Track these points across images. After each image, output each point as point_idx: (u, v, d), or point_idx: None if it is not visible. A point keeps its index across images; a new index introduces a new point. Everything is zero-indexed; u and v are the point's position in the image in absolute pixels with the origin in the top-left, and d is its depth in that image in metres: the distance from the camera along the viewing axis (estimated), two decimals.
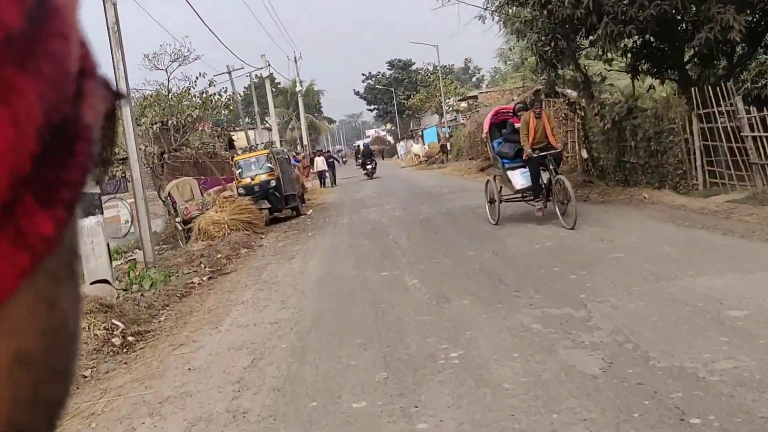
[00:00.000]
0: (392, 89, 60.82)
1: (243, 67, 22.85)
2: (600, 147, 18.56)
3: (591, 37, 11.92)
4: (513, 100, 20.82)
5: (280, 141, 50.63)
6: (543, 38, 12.26)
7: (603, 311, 4.71)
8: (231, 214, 13.50)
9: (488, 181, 10.04)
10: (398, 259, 8.06)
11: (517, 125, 9.12)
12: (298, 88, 48.69)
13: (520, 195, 9.38)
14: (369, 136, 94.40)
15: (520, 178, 9.08)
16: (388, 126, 76.35)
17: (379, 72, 66.82)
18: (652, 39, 13.80)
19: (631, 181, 12.25)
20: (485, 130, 10.11)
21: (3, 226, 0.19)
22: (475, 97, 42.59)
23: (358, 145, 49.76)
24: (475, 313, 5.13)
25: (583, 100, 19.93)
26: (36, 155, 0.20)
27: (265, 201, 15.03)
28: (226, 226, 13.21)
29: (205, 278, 9.04)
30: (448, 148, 33.11)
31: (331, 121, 70.19)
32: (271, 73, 68.09)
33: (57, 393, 0.24)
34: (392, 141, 73.21)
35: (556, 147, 8.71)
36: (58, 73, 0.21)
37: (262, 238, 12.96)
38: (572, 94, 20.15)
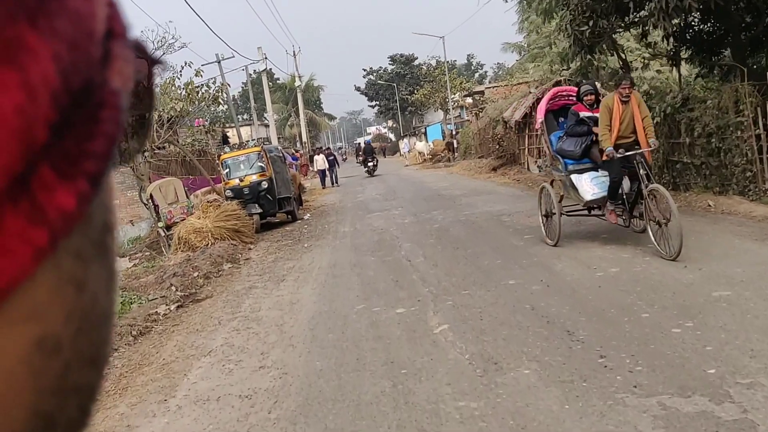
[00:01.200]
0: (394, 84, 58.96)
1: (234, 56, 20.94)
2: None
3: (637, 14, 10.17)
4: (530, 92, 19.02)
5: (278, 138, 48.93)
6: (579, 16, 10.46)
7: (766, 407, 2.93)
8: (215, 221, 11.71)
9: (543, 187, 7.84)
10: (416, 288, 6.28)
11: (583, 114, 7.06)
12: (297, 83, 46.89)
13: (586, 208, 7.28)
14: (370, 134, 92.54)
15: (590, 186, 6.94)
16: (390, 123, 74.55)
17: (380, 67, 64.96)
18: (695, 21, 12.08)
19: (681, 185, 10.46)
20: (539, 119, 7.82)
21: (17, 200, 0.17)
22: (482, 93, 40.76)
23: (359, 143, 48.29)
24: (549, 399, 3.34)
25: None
26: (54, 123, 0.18)
27: (256, 205, 13.24)
28: (210, 234, 11.43)
29: (173, 307, 7.25)
30: (455, 145, 31.26)
31: (331, 117, 68.32)
32: (270, 69, 66.48)
33: (87, 379, 0.23)
34: (393, 138, 71.41)
35: (648, 145, 6.49)
36: (77, 33, 0.19)
37: (250, 249, 11.19)
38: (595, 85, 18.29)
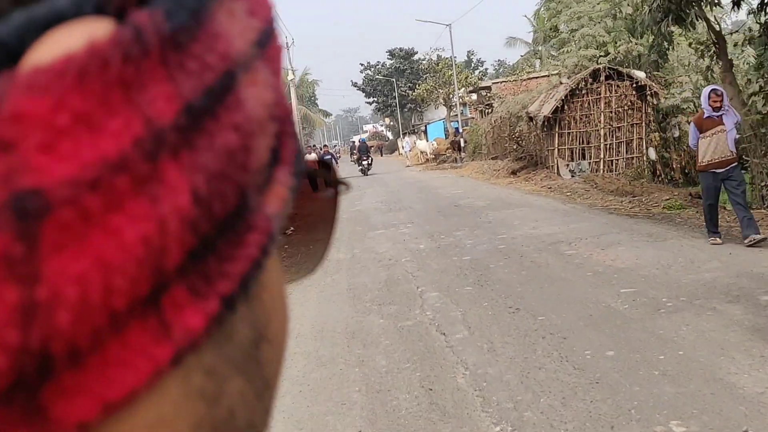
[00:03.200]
0: (393, 80, 55.93)
1: None
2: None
3: None
4: (562, 83, 16.03)
5: None
6: None
7: None
8: None
9: None
10: (473, 417, 3.28)
11: None
12: (290, 77, 43.78)
13: None
14: (366, 132, 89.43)
15: None
16: (387, 121, 71.64)
17: (378, 62, 61.91)
18: None
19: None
20: None
21: (145, 317, 0.18)
22: (488, 88, 37.92)
23: (354, 141, 45.86)
24: None
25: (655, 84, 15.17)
26: (191, 249, 0.19)
27: None
28: None
29: None
30: (463, 145, 28.19)
31: (326, 114, 65.31)
32: None
33: None
34: (391, 137, 68.44)
35: None
36: (225, 166, 0.20)
37: None
38: (640, 75, 15.40)
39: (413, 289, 6.27)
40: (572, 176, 15.16)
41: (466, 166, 24.79)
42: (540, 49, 49.84)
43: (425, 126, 49.95)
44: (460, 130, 29.93)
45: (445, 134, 42.10)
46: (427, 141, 38.82)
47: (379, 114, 69.27)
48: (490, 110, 35.58)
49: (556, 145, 15.67)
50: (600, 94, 15.12)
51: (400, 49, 59.99)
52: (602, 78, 15.00)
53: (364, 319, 5.47)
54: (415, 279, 6.71)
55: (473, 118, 40.13)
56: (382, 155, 56.73)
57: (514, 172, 18.44)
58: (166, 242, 0.18)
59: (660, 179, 15.80)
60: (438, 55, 46.49)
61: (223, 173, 0.20)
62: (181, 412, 0.20)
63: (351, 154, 39.36)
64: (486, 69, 66.99)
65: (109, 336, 0.17)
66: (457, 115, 43.30)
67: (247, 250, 0.21)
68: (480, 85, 39.78)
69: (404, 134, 50.62)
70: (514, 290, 5.69)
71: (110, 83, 0.17)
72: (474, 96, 42.20)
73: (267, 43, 0.22)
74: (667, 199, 9.74)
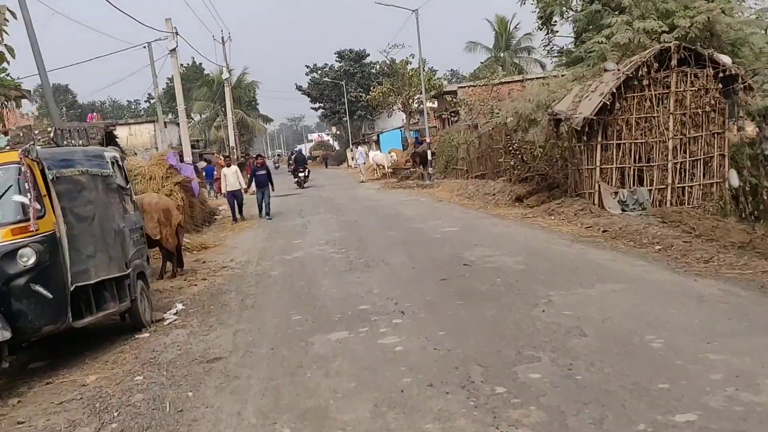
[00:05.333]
0: (342, 83, 50.31)
1: None
2: None
3: None
4: (607, 70, 10.80)
5: (197, 141, 39.54)
6: None
7: None
8: None
9: None
10: None
11: None
12: (225, 76, 37.62)
13: None
14: (312, 141, 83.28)
15: None
16: (334, 130, 66.05)
17: (325, 64, 56.15)
18: None
19: None
20: None
21: None
22: (454, 93, 32.82)
23: (292, 151, 40.73)
24: None
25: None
26: None
27: None
28: None
29: None
30: (430, 157, 22.72)
31: (267, 119, 58.97)
32: (200, 63, 56.46)
33: None
34: (338, 147, 62.81)
35: None
36: None
37: None
38: (726, 60, 10.42)
39: None
40: (623, 210, 10.01)
41: (439, 185, 19.40)
42: (503, 55, 45.53)
43: (377, 135, 44.65)
44: (428, 140, 24.43)
45: (403, 145, 36.89)
46: (388, 153, 33.32)
47: (326, 121, 63.56)
48: (456, 118, 30.60)
49: (598, 163, 10.43)
50: (669, 88, 10.03)
51: (350, 51, 54.52)
52: (673, 63, 9.93)
53: None
54: None
55: (434, 126, 35.07)
56: (327, 167, 50.88)
57: (519, 199, 13.20)
58: None
59: (743, 214, 10.90)
60: (392, 59, 40.75)
61: None
62: None
63: (288, 165, 34.69)
64: (439, 78, 62.25)
65: None
66: (417, 122, 38.20)
67: None
68: (445, 89, 34.65)
69: (355, 144, 45.05)
70: None
71: None
72: (432, 104, 37.10)
73: None
74: None
